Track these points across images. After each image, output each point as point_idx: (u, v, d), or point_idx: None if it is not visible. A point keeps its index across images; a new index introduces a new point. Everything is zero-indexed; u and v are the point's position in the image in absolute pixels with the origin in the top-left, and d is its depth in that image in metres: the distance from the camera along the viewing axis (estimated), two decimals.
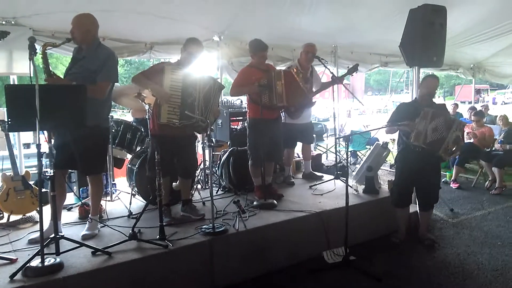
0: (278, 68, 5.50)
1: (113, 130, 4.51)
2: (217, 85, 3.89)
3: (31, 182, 4.10)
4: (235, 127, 5.69)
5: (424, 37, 4.66)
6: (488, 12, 6.45)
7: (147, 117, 3.77)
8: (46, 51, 3.21)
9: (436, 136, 3.92)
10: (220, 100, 5.68)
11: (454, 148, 3.97)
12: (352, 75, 5.57)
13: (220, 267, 3.44)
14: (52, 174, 2.94)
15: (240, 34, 6.10)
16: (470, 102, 13.12)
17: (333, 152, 8.22)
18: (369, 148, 7.33)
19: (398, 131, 4.30)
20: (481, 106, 11.19)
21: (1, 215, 3.98)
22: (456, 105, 10.91)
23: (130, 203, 4.31)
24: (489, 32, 7.35)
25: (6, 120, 2.84)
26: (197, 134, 4.18)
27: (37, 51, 2.84)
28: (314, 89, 5.24)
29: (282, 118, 4.97)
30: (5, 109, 2.77)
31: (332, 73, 5.31)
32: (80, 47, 3.49)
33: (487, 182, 6.94)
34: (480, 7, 6.22)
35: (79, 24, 3.35)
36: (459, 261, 3.99)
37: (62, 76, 3.45)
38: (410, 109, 4.19)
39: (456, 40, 7.47)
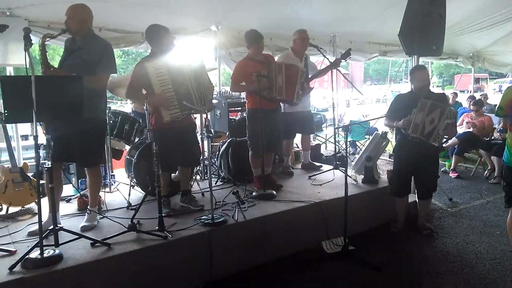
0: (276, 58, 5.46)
1: (111, 121, 4.49)
2: (199, 63, 3.79)
3: (30, 174, 4.09)
4: (234, 117, 5.67)
5: (423, 26, 4.63)
6: (487, 0, 6.40)
7: (145, 108, 3.74)
8: (45, 43, 3.19)
9: (432, 127, 3.91)
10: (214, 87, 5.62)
11: (445, 135, 3.97)
12: (346, 60, 5.53)
13: (219, 257, 3.44)
14: (49, 166, 2.93)
15: (237, 24, 6.04)
16: (469, 91, 13.09)
17: (332, 142, 8.22)
18: (368, 138, 7.31)
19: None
20: (480, 95, 11.17)
21: (0, 207, 3.97)
22: (455, 94, 10.89)
23: (129, 194, 4.31)
24: (488, 20, 7.31)
25: (3, 111, 2.82)
26: (197, 122, 4.16)
27: (32, 42, 2.80)
28: (309, 76, 5.20)
29: (282, 107, 4.96)
30: (1, 100, 2.75)
31: (330, 61, 5.29)
32: (73, 38, 3.43)
33: (486, 171, 6.95)
34: None
35: (74, 14, 3.31)
36: (458, 250, 4.01)
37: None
38: (408, 101, 4.16)
39: (455, 29, 7.43)
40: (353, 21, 6.70)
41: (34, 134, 2.75)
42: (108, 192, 4.60)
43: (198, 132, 4.21)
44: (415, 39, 4.70)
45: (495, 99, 12.90)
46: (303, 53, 5.17)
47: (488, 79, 36.57)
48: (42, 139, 3.07)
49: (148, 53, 3.99)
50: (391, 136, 6.62)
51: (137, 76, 3.65)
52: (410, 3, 4.72)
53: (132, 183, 4.52)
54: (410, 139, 4.01)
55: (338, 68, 5.43)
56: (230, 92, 5.80)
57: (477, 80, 28.10)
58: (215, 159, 5.25)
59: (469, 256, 3.88)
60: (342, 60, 5.42)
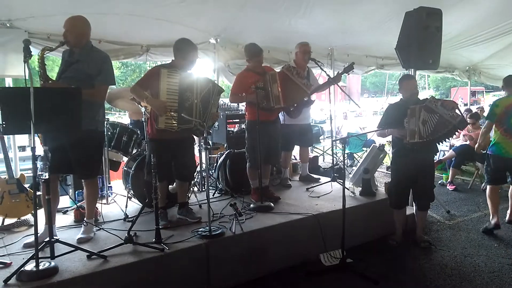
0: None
1: (109, 133, 4.50)
2: (216, 88, 3.86)
3: (26, 185, 4.07)
4: (232, 129, 5.68)
5: (420, 40, 4.68)
6: (484, 14, 6.47)
7: (143, 119, 3.75)
8: (44, 56, 3.19)
9: (430, 126, 3.95)
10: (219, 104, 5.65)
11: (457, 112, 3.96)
12: (349, 74, 5.57)
13: (216, 270, 3.42)
14: (46, 177, 2.92)
15: (236, 37, 6.10)
16: (466, 104, 13.18)
17: (330, 154, 8.23)
18: (366, 150, 7.33)
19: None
20: (476, 108, 11.23)
21: None
22: None
23: (126, 206, 4.28)
24: (484, 34, 7.37)
25: (0, 122, 2.81)
26: (195, 136, 4.17)
27: (32, 53, 2.81)
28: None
29: (281, 119, 4.97)
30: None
31: (328, 75, 5.32)
32: (71, 50, 3.42)
33: (483, 184, 6.95)
34: (476, 9, 6.24)
35: (73, 27, 3.31)
36: (456, 263, 4.00)
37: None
38: (398, 112, 4.22)
39: (452, 43, 7.49)
40: (351, 34, 6.76)
41: (32, 146, 2.74)
42: (105, 203, 4.58)
43: (196, 144, 4.21)
44: (411, 53, 4.75)
45: None
46: (305, 66, 5.19)
47: (484, 92, 36.81)
48: (40, 151, 3.06)
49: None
50: (389, 149, 6.64)
51: (149, 77, 3.69)
52: (407, 17, 4.78)
53: (129, 195, 4.50)
54: (410, 146, 4.04)
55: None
56: (229, 104, 5.82)
57: (473, 93, 28.30)
58: (213, 171, 5.24)
59: (467, 269, 3.87)
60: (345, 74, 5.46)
